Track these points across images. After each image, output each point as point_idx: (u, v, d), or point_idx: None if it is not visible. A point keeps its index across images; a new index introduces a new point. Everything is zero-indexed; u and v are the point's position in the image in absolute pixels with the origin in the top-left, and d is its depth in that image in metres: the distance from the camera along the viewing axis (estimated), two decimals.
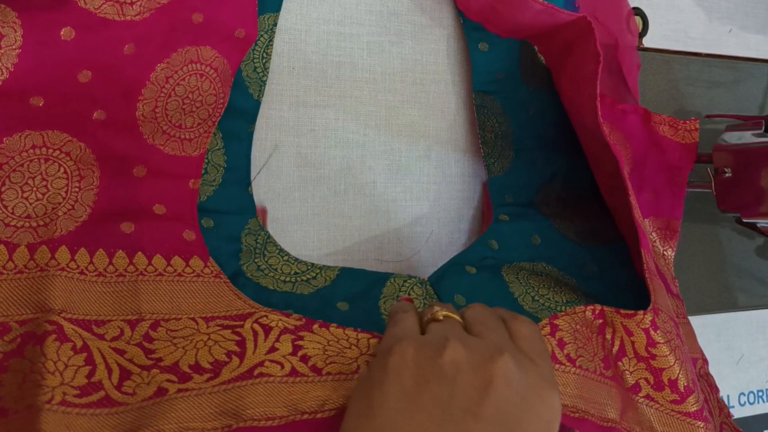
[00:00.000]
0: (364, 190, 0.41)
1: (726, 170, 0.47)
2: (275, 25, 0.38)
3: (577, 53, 0.39)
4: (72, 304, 0.28)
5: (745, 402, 0.53)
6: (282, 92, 0.40)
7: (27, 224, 0.30)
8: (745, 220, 0.48)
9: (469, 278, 0.39)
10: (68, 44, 0.30)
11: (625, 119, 0.46)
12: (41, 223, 0.30)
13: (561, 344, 0.33)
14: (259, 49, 0.38)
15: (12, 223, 0.29)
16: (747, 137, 0.48)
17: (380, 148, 0.42)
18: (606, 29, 0.47)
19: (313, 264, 0.37)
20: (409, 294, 0.37)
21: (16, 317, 0.28)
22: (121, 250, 0.30)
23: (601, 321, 0.34)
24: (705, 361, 0.42)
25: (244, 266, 0.35)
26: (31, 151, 0.30)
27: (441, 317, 0.28)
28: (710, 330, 0.53)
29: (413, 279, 0.38)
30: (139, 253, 0.31)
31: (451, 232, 0.45)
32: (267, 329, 0.30)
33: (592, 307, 0.34)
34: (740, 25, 0.56)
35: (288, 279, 0.36)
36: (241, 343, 0.29)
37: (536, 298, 0.38)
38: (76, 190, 0.31)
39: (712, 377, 0.41)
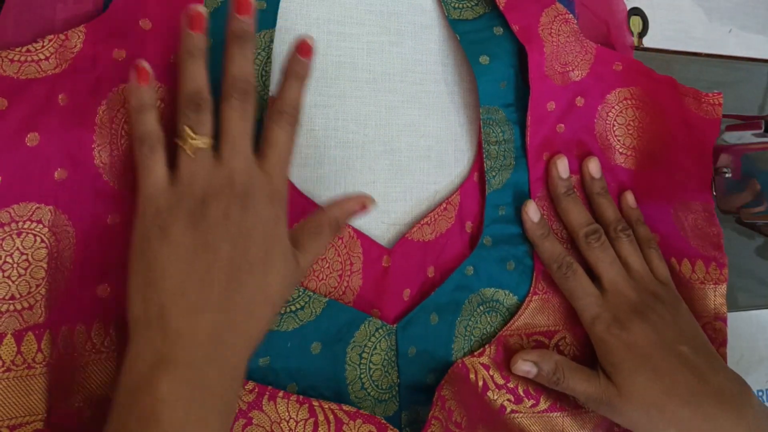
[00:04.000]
0: (364, 190, 0.41)
1: (726, 170, 0.47)
2: (272, 41, 0.37)
3: None
4: (54, 399, 0.30)
5: None
6: None
7: (12, 307, 0.29)
8: (745, 220, 0.48)
9: (428, 329, 0.40)
10: (5, 113, 0.30)
11: (659, 89, 0.46)
12: (26, 305, 0.30)
13: (450, 414, 0.38)
14: (257, 67, 0.37)
15: None
16: (747, 137, 0.48)
17: (380, 148, 0.42)
18: (595, 14, 0.47)
19: (304, 290, 0.36)
20: (375, 348, 0.38)
21: (7, 422, 0.29)
22: (97, 323, 0.31)
23: (465, 370, 0.39)
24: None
25: None
26: (0, 230, 0.30)
27: None
28: None
29: (384, 328, 0.38)
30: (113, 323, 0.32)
31: None
32: None
33: (458, 362, 0.39)
34: (740, 25, 0.56)
35: None
36: None
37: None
38: (56, 255, 0.31)
39: None
